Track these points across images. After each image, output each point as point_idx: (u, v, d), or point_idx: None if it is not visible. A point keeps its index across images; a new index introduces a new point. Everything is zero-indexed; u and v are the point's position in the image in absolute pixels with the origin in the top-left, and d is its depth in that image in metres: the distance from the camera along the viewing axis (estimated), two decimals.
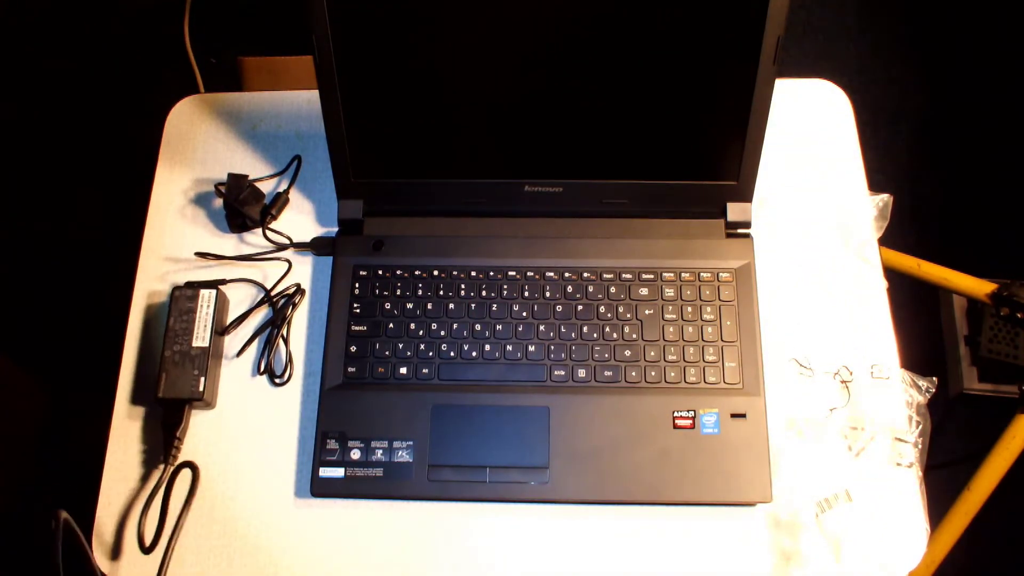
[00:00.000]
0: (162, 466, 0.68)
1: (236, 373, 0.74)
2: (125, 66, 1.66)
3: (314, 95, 0.74)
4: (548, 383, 0.70)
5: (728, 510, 0.68)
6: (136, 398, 0.73)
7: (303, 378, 0.73)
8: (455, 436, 0.68)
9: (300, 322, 0.76)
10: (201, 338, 0.70)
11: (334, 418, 0.69)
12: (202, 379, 0.69)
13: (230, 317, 0.75)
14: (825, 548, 0.67)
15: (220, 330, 0.73)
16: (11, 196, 1.57)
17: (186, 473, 0.69)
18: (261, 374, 0.73)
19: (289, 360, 0.74)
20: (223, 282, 0.75)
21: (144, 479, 0.70)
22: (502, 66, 0.68)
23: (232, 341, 0.74)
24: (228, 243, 0.79)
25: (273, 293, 0.76)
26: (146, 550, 0.65)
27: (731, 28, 0.65)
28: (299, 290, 0.76)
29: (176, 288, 0.72)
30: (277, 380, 0.73)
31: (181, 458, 0.70)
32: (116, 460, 0.71)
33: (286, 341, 0.75)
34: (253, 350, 0.74)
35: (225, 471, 0.70)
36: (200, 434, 0.71)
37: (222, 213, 0.79)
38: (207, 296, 0.72)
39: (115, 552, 0.68)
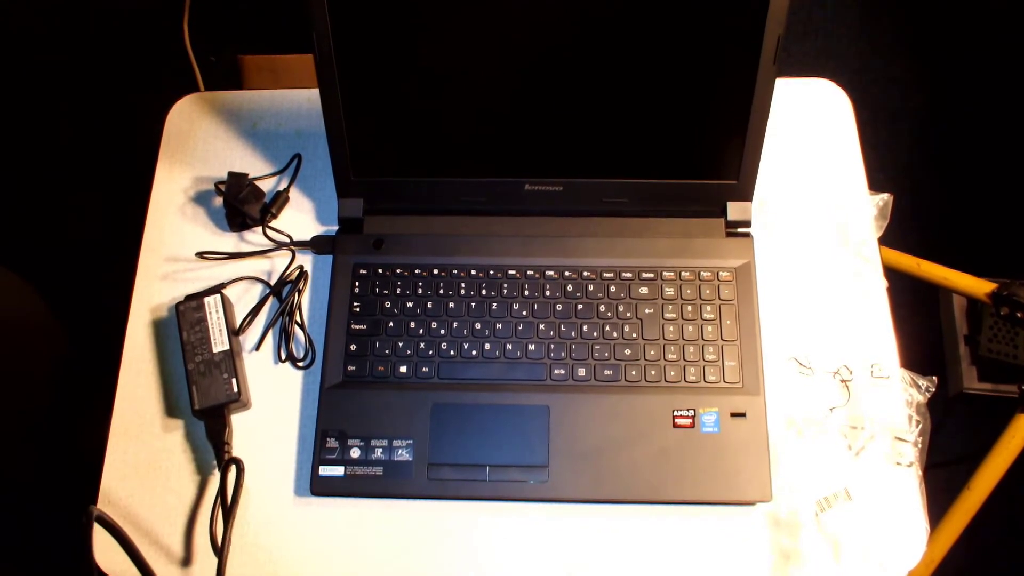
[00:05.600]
0: (217, 473, 0.68)
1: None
2: (125, 65, 1.66)
3: (314, 93, 0.74)
4: (548, 382, 0.70)
5: (728, 509, 0.68)
6: (135, 404, 0.73)
7: (303, 376, 0.73)
8: (455, 435, 0.68)
9: (303, 316, 0.76)
10: (220, 343, 0.71)
11: (334, 416, 0.69)
12: (234, 380, 0.70)
13: (238, 316, 0.75)
14: (825, 547, 0.67)
15: (234, 331, 0.73)
16: (10, 195, 1.57)
17: (182, 474, 0.69)
18: (283, 361, 0.74)
19: (309, 343, 0.74)
20: (224, 286, 0.75)
21: (143, 485, 0.70)
22: (502, 65, 0.68)
23: (244, 340, 0.75)
24: (228, 242, 0.79)
25: (276, 282, 0.76)
26: (219, 552, 0.65)
27: (731, 27, 0.65)
28: (302, 273, 0.76)
29: (179, 304, 0.72)
30: (300, 364, 0.73)
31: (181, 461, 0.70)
32: (116, 459, 0.71)
33: (301, 326, 0.75)
34: (269, 343, 0.75)
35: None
36: (199, 433, 0.71)
37: (222, 212, 0.79)
38: (213, 302, 0.72)
39: (116, 557, 0.68)
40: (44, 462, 1.32)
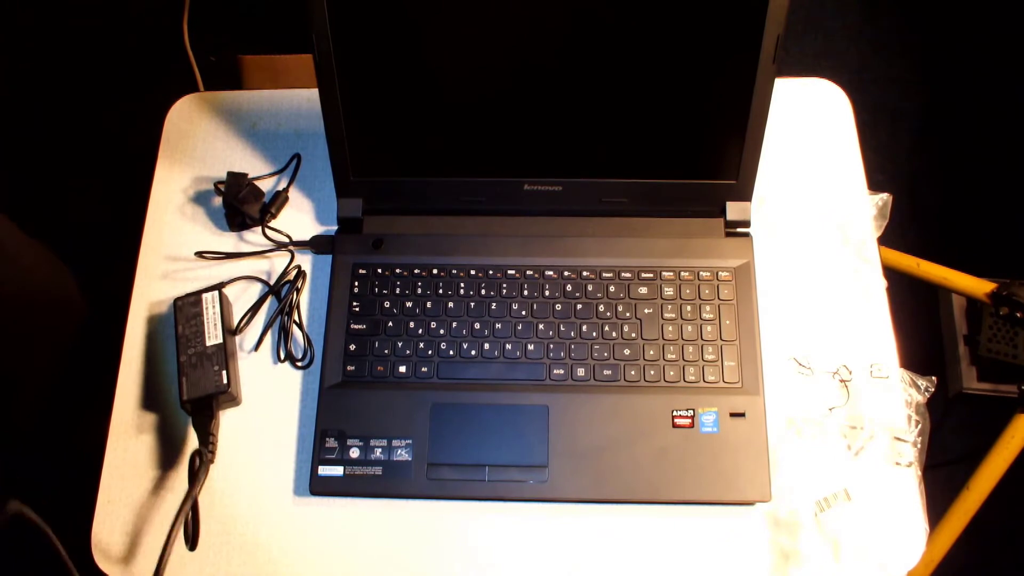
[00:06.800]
0: (198, 454, 0.67)
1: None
2: (124, 65, 1.66)
3: (314, 93, 0.74)
4: (547, 382, 0.70)
5: (727, 509, 0.68)
6: (134, 402, 0.73)
7: (302, 376, 0.73)
8: (454, 435, 0.68)
9: (302, 315, 0.76)
10: (214, 336, 0.71)
11: (333, 416, 0.69)
12: (224, 372, 0.69)
13: (236, 316, 0.75)
14: (824, 547, 0.67)
15: (231, 330, 0.73)
16: (10, 195, 1.57)
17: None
18: (282, 361, 0.74)
19: (308, 343, 0.74)
20: (224, 284, 0.75)
21: (143, 483, 0.70)
22: (501, 65, 0.68)
23: (243, 340, 0.75)
24: (228, 242, 0.79)
25: (274, 282, 0.76)
26: (193, 547, 0.65)
27: (731, 27, 0.65)
28: (300, 273, 0.76)
29: (178, 299, 0.72)
30: (299, 364, 0.73)
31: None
32: (116, 458, 0.71)
33: (300, 326, 0.75)
34: (269, 343, 0.75)
35: (224, 468, 0.70)
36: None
37: (222, 212, 0.79)
38: (211, 298, 0.72)
39: (115, 556, 0.68)
40: (44, 462, 1.32)
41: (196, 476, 0.66)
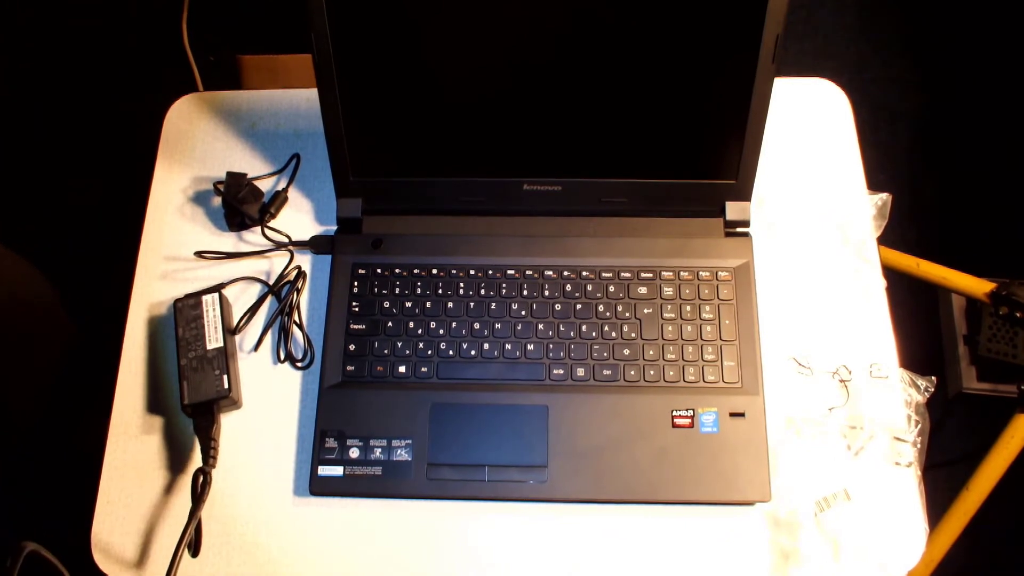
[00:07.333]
0: (201, 472, 0.67)
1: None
2: (125, 65, 1.66)
3: (313, 93, 0.74)
4: (547, 382, 0.70)
5: (727, 509, 0.68)
6: (134, 403, 0.73)
7: (302, 376, 0.73)
8: (454, 435, 0.68)
9: (302, 316, 0.76)
10: (214, 340, 0.71)
11: (333, 416, 0.69)
12: (225, 377, 0.69)
13: (236, 316, 0.75)
14: (824, 547, 0.67)
15: (231, 330, 0.73)
16: (9, 194, 1.57)
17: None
18: (282, 361, 0.74)
19: (308, 343, 0.74)
20: (224, 285, 0.75)
21: (143, 483, 0.70)
22: (501, 64, 0.68)
23: (243, 340, 0.75)
24: (227, 242, 0.79)
25: (274, 282, 0.76)
26: (195, 554, 0.65)
27: (730, 26, 0.65)
28: (300, 273, 0.76)
29: (177, 300, 0.72)
30: (299, 364, 0.73)
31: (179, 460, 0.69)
32: (116, 458, 0.71)
33: (300, 326, 0.75)
34: (269, 344, 0.74)
35: (224, 469, 0.70)
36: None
37: (221, 212, 0.79)
38: (211, 300, 0.72)
39: (115, 557, 0.68)
40: (44, 462, 1.32)
41: (200, 497, 0.66)
